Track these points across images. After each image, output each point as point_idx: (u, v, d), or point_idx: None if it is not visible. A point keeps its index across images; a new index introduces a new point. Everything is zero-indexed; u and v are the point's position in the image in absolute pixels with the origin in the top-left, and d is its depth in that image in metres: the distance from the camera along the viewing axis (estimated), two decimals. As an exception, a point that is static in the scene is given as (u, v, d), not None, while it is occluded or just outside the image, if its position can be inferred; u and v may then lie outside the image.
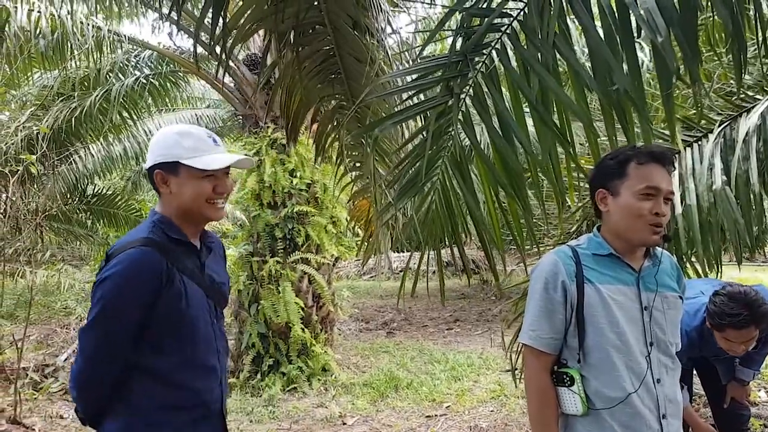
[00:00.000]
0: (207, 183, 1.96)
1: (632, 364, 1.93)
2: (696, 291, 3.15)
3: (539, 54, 2.35)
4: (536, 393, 2.02)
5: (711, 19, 4.21)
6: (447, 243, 3.12)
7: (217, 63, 6.38)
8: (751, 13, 2.27)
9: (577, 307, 1.95)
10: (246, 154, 6.77)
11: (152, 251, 1.85)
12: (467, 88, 2.60)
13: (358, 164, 4.93)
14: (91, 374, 1.86)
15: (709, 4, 2.24)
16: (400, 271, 15.13)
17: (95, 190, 11.27)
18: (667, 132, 3.91)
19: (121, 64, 8.21)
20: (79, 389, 1.91)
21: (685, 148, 3.88)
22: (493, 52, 2.56)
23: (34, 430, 5.11)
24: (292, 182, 6.87)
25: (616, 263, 2.01)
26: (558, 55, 2.37)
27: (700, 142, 3.92)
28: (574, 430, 1.99)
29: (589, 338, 1.95)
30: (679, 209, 3.61)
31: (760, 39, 2.38)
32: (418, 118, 3.01)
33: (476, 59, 2.58)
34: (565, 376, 1.97)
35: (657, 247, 2.08)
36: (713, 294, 2.92)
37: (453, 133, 2.67)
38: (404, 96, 3.03)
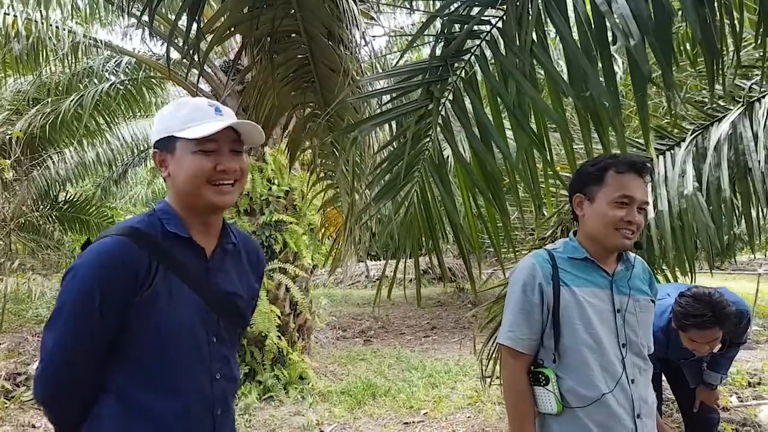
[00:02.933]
0: (206, 160, 1.58)
1: (606, 365, 1.99)
2: (663, 293, 3.22)
3: (517, 61, 2.39)
4: (513, 392, 2.07)
5: (682, 28, 4.32)
6: (425, 246, 3.14)
7: (193, 69, 6.36)
8: (724, 21, 2.33)
9: (553, 308, 2.01)
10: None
11: (129, 242, 1.53)
12: (447, 92, 2.64)
13: (330, 173, 4.95)
14: (49, 379, 1.54)
15: (681, 13, 2.30)
16: (377, 279, 15.13)
17: (67, 197, 11.12)
18: (640, 141, 3.98)
19: (98, 70, 8.13)
20: (41, 398, 1.58)
21: (657, 157, 3.96)
22: (473, 58, 2.60)
23: (6, 439, 5.01)
24: (269, 189, 6.85)
25: (591, 267, 2.07)
26: (536, 62, 2.42)
27: (672, 151, 4.01)
28: (550, 429, 2.04)
29: (565, 339, 2.01)
30: (651, 214, 3.68)
31: (731, 49, 2.45)
32: (393, 123, 3.03)
33: (456, 65, 2.62)
34: (540, 376, 2.02)
35: (630, 252, 2.14)
36: (679, 295, 3.00)
37: (432, 136, 2.70)
38: (384, 99, 3.05)
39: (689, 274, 4.06)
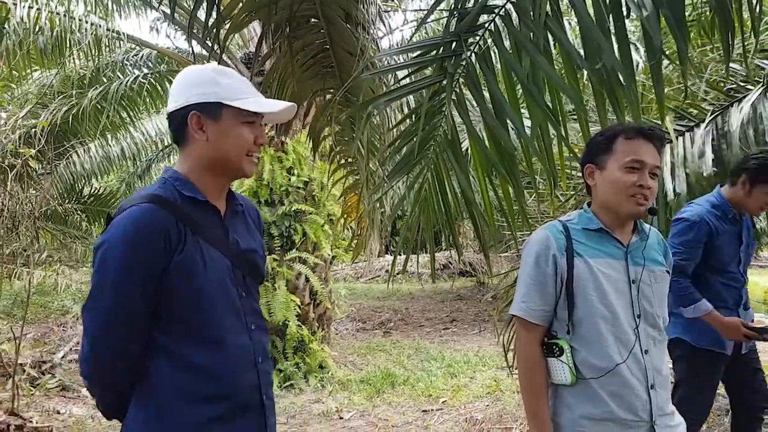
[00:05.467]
0: (248, 131, 1.66)
1: (620, 335, 1.98)
2: (688, 207, 3.33)
3: (531, 34, 2.40)
4: (527, 364, 2.07)
5: (704, 13, 4.29)
6: (438, 222, 3.14)
7: (214, 59, 6.38)
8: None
9: (567, 279, 2.00)
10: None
11: (157, 208, 1.56)
12: (461, 68, 2.65)
13: (350, 159, 4.98)
14: (100, 357, 1.59)
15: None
16: (397, 274, 15.15)
17: (91, 191, 11.28)
18: (659, 122, 3.96)
19: (120, 63, 8.24)
20: (91, 377, 1.64)
21: (677, 138, 3.93)
22: (487, 33, 2.60)
23: (31, 422, 5.12)
24: (289, 180, 6.90)
25: (605, 238, 2.06)
26: (550, 36, 2.42)
27: (691, 132, 3.98)
28: (564, 400, 2.03)
29: (579, 310, 2.00)
30: (671, 196, 3.66)
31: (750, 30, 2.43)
32: (411, 99, 3.03)
33: (470, 40, 2.63)
34: (554, 347, 2.01)
35: (645, 223, 2.13)
36: (747, 157, 3.28)
37: (446, 112, 2.71)
38: (399, 75, 3.06)
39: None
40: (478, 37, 2.62)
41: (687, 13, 2.35)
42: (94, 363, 1.60)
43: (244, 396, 1.68)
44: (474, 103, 2.73)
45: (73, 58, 7.24)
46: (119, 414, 1.68)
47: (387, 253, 17.69)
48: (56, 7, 6.59)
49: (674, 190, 3.76)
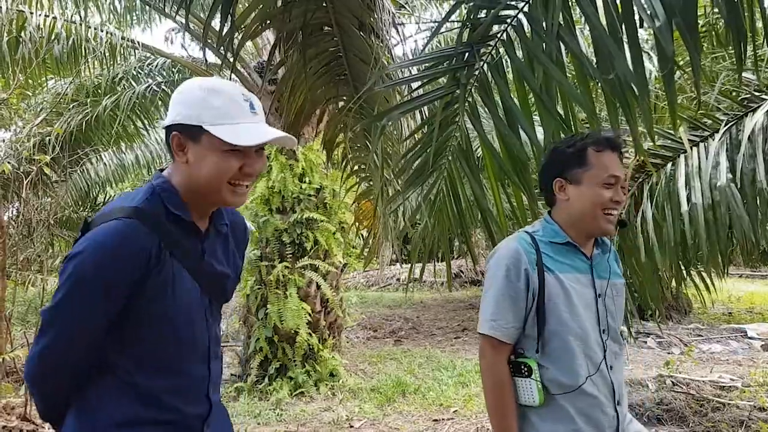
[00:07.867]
0: (234, 160, 1.51)
1: (589, 352, 1.93)
2: None
3: (544, 44, 2.40)
4: (494, 385, 1.96)
5: (718, 21, 4.27)
6: (453, 231, 3.14)
7: (227, 68, 6.43)
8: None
9: (538, 295, 1.93)
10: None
11: (139, 225, 1.46)
12: (473, 78, 2.65)
13: (363, 166, 5.00)
14: (47, 363, 1.52)
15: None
16: (408, 283, 15.14)
17: (105, 198, 11.38)
18: (672, 131, 3.94)
19: (134, 72, 8.31)
20: (33, 379, 1.56)
21: (691, 148, 3.91)
22: (499, 43, 2.61)
23: (43, 428, 5.14)
24: (300, 187, 6.91)
25: (572, 251, 2.00)
26: (562, 46, 2.42)
27: (706, 142, 3.95)
28: (529, 421, 1.95)
29: (550, 327, 1.93)
30: (685, 207, 3.63)
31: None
32: (424, 110, 3.04)
33: (482, 50, 2.63)
34: (522, 366, 1.93)
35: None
36: None
37: (459, 123, 2.72)
38: (413, 86, 3.08)
39: (723, 268, 4.01)
40: (490, 48, 2.63)
41: (699, 23, 2.34)
42: (40, 368, 1.53)
43: (186, 425, 1.60)
44: (487, 112, 2.73)
45: (88, 67, 7.30)
46: (56, 420, 1.60)
47: (399, 262, 17.68)
48: (72, 16, 6.66)
49: (689, 200, 3.73)
